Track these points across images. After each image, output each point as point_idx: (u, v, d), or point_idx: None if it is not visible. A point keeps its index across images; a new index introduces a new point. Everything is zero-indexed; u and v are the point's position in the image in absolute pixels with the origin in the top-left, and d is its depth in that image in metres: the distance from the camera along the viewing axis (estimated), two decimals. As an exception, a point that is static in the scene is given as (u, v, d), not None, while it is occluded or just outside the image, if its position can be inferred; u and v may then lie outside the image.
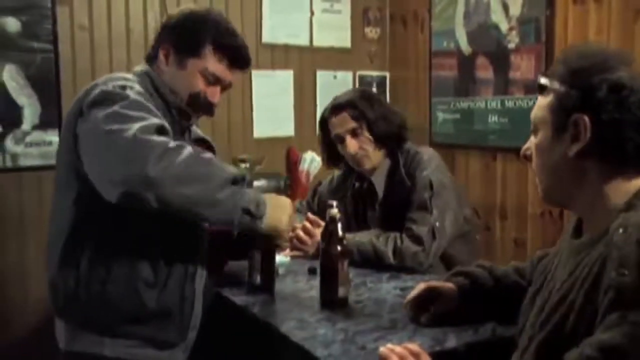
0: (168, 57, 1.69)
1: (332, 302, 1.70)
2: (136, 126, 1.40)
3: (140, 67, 1.73)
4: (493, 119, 3.27)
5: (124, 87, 1.52)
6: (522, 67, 3.08)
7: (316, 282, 1.96)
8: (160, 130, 1.45)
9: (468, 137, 3.42)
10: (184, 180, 1.41)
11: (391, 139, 2.22)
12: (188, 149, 1.44)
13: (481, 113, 3.33)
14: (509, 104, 3.17)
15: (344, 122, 2.21)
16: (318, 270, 1.98)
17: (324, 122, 2.29)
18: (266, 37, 3.53)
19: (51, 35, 2.92)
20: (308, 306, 1.74)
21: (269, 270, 1.84)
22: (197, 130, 1.88)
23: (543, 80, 1.19)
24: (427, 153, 2.23)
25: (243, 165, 3.15)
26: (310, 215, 2.22)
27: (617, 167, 1.12)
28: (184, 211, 1.45)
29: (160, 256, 1.59)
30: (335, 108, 2.24)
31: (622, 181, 1.11)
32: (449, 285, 1.56)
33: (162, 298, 1.60)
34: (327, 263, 1.71)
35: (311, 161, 3.53)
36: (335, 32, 3.77)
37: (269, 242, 1.68)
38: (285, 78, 3.64)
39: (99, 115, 1.44)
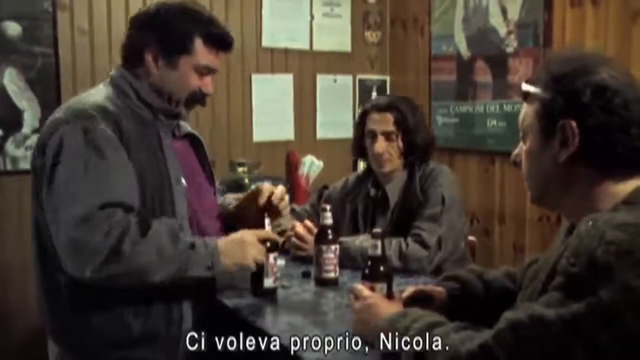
0: (157, 60, 1.65)
1: (259, 292, 1.80)
2: (79, 214, 1.44)
3: (117, 72, 1.70)
4: (492, 123, 3.27)
5: (86, 132, 1.52)
6: (521, 71, 3.09)
7: (309, 285, 1.97)
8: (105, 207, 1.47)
9: (467, 141, 3.43)
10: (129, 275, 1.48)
11: (418, 153, 2.28)
12: (126, 245, 1.45)
13: (480, 117, 3.34)
14: (508, 108, 3.17)
15: (383, 122, 2.26)
16: (312, 274, 2.00)
17: (364, 114, 2.33)
18: (266, 41, 3.54)
19: (52, 39, 2.94)
20: (300, 309, 1.74)
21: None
22: (186, 126, 1.87)
23: (527, 87, 1.19)
24: (443, 170, 2.29)
25: (241, 169, 3.18)
26: (307, 222, 2.25)
27: (605, 171, 1.12)
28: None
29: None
30: (381, 106, 2.29)
31: (611, 185, 1.12)
32: (439, 289, 1.56)
33: (148, 323, 1.60)
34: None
35: (310, 165, 3.54)
36: (335, 36, 3.78)
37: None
38: (285, 82, 3.64)
39: (61, 178, 1.50)
